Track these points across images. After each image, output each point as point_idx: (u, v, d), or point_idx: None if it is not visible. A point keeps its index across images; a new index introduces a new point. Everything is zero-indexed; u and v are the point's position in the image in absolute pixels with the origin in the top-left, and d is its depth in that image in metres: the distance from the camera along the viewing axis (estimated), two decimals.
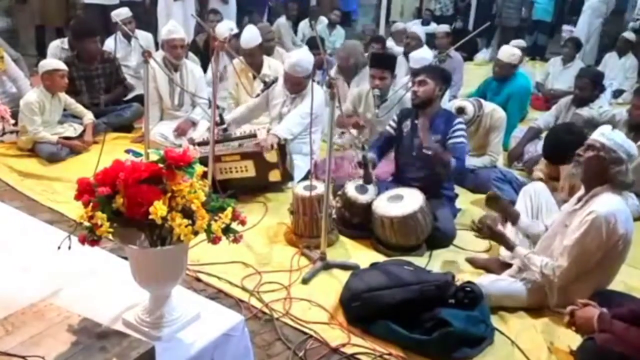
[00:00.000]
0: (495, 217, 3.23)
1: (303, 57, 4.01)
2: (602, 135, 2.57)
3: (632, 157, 2.56)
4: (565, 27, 9.03)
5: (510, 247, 2.86)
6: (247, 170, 3.80)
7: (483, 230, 3.00)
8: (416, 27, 7.04)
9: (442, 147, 3.43)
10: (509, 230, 3.09)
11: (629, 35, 7.74)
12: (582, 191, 2.69)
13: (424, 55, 4.81)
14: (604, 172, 2.55)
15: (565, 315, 2.34)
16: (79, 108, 4.74)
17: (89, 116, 4.72)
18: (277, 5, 9.74)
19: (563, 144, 3.28)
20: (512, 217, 3.07)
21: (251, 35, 4.72)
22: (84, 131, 4.69)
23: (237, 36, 5.06)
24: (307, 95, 3.94)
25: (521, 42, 6.80)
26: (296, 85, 4.03)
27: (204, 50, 6.01)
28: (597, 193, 2.57)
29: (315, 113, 3.62)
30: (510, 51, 5.25)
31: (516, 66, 5.25)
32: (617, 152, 2.52)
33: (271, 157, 3.75)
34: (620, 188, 2.57)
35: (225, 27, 5.48)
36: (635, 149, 2.58)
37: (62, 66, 4.51)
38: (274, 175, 3.83)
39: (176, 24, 5.02)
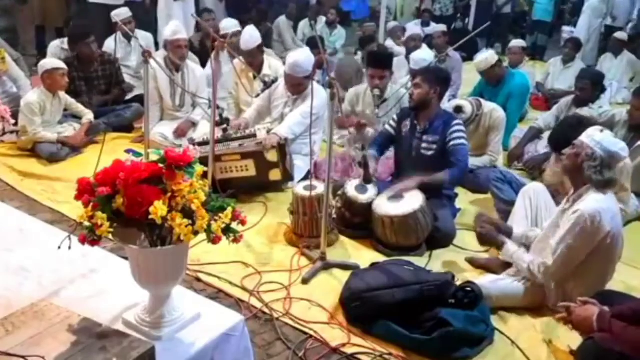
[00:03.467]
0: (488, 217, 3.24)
1: (302, 57, 3.99)
2: (587, 135, 2.62)
3: (612, 155, 2.55)
4: (565, 28, 9.04)
5: (500, 244, 2.90)
6: (247, 169, 3.80)
7: (482, 229, 3.03)
8: (416, 28, 7.03)
9: (439, 149, 3.44)
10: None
11: (620, 35, 7.75)
12: (572, 191, 2.72)
13: (424, 57, 4.81)
14: (579, 169, 2.59)
15: (560, 309, 2.34)
16: (80, 107, 4.74)
17: (88, 116, 4.71)
18: (277, 5, 9.73)
19: (573, 136, 3.28)
20: (505, 233, 3.09)
21: (250, 37, 4.72)
22: None
23: (239, 33, 5.06)
24: (309, 96, 3.93)
25: (521, 42, 6.80)
26: (296, 85, 4.03)
27: (200, 50, 6.02)
28: (582, 193, 2.61)
29: (316, 114, 3.62)
30: (482, 58, 5.16)
31: (500, 66, 5.18)
32: (593, 149, 2.55)
33: (272, 156, 3.75)
34: (598, 186, 2.57)
35: (231, 23, 5.50)
36: (619, 147, 2.57)
37: (62, 65, 4.51)
38: (275, 175, 3.83)
39: (179, 24, 5.03)
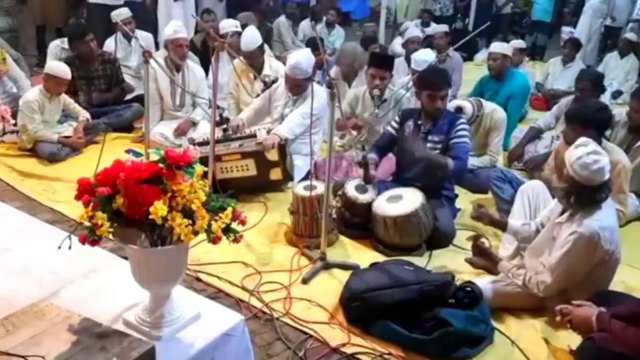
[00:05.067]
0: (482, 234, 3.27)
1: (302, 59, 3.97)
2: (567, 157, 2.55)
3: (586, 178, 2.45)
4: (564, 28, 9.04)
5: (495, 262, 2.91)
6: (248, 169, 3.80)
7: (475, 259, 3.10)
8: (415, 30, 7.01)
9: (443, 148, 3.44)
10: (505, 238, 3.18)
11: (631, 36, 7.73)
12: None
13: (426, 57, 4.79)
14: (567, 190, 2.56)
15: (558, 312, 2.34)
16: (77, 108, 4.74)
17: (83, 114, 4.71)
18: (276, 5, 9.74)
19: (589, 119, 3.27)
20: (500, 227, 3.10)
21: (251, 38, 4.72)
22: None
23: (239, 34, 5.05)
24: (309, 96, 3.94)
25: (519, 43, 6.80)
26: (295, 87, 4.03)
27: (202, 51, 6.02)
28: (579, 211, 2.56)
29: (317, 114, 3.61)
30: (503, 44, 5.47)
31: (510, 60, 5.27)
32: (570, 173, 2.50)
33: (272, 155, 3.76)
34: (585, 211, 2.53)
35: (230, 23, 5.49)
36: (591, 171, 2.44)
37: (63, 75, 4.48)
38: (275, 174, 3.83)
39: (180, 23, 5.02)
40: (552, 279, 2.57)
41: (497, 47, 5.32)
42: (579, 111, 3.42)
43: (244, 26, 5.31)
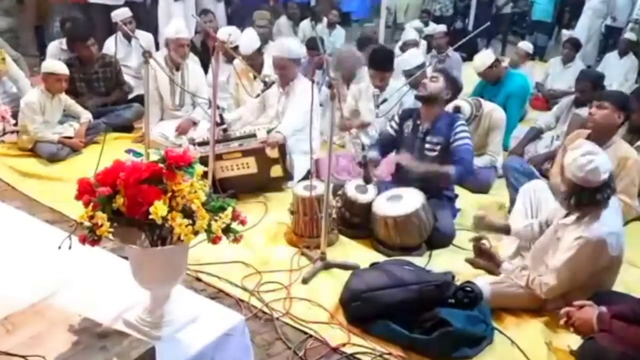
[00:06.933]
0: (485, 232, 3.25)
1: (290, 40, 4.06)
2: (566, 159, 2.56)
3: (583, 179, 2.44)
4: (564, 32, 9.04)
5: (497, 264, 2.91)
6: (248, 166, 3.81)
7: (474, 252, 3.09)
8: (413, 32, 7.00)
9: (443, 150, 3.44)
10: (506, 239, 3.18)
11: (630, 35, 7.73)
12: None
13: (416, 59, 4.80)
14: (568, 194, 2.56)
15: (561, 317, 2.34)
16: (78, 109, 4.74)
17: (85, 115, 4.71)
18: (277, 6, 9.73)
19: (625, 102, 3.38)
20: (504, 231, 3.11)
21: (249, 41, 4.73)
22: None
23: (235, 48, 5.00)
24: (298, 87, 3.98)
25: (528, 46, 6.78)
26: (282, 68, 4.05)
27: (202, 51, 6.02)
28: (586, 214, 2.55)
29: (308, 105, 3.63)
30: (479, 60, 5.20)
31: (498, 66, 5.16)
32: (569, 177, 2.49)
33: (272, 152, 3.77)
34: (586, 212, 2.53)
35: (224, 33, 5.47)
36: (588, 170, 2.43)
37: (60, 70, 4.48)
38: (276, 171, 3.84)
39: (182, 22, 5.02)
40: (555, 281, 2.57)
41: (480, 64, 5.13)
42: (618, 92, 3.58)
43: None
